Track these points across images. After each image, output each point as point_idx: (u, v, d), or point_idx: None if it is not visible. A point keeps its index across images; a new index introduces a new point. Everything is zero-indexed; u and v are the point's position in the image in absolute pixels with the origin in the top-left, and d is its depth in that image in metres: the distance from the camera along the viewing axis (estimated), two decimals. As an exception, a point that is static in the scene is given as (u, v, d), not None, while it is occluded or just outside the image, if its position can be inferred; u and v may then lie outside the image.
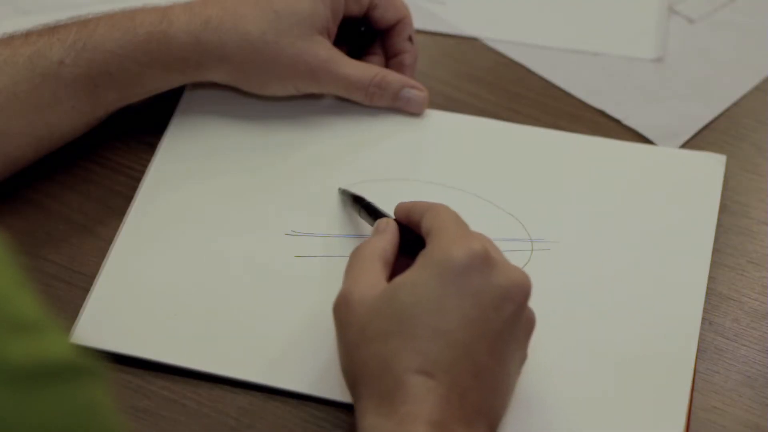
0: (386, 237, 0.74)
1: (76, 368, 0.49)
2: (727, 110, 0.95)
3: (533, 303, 0.70)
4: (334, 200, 0.86)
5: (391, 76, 0.90)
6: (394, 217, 0.77)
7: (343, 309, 0.70)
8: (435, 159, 0.89)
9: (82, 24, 0.84)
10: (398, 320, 0.67)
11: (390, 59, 0.93)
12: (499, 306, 0.67)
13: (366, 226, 0.82)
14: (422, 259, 0.69)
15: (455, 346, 0.66)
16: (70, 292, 0.81)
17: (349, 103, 0.91)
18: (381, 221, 0.76)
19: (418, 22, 0.97)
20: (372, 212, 0.80)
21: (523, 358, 0.71)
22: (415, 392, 0.66)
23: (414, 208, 0.75)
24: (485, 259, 0.68)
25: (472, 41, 1.00)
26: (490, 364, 0.67)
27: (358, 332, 0.69)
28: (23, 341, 0.48)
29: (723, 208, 0.87)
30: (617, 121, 0.93)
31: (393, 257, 0.73)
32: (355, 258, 0.73)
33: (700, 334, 0.79)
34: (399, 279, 0.69)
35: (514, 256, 0.82)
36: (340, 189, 0.85)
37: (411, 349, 0.66)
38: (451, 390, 0.66)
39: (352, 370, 0.69)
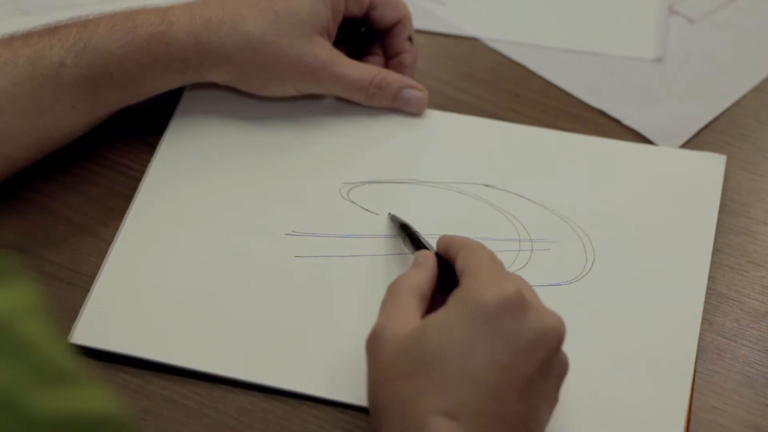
0: (423, 272, 0.73)
1: (108, 422, 0.47)
2: (727, 110, 0.95)
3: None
4: (334, 200, 0.86)
5: (391, 77, 0.90)
6: (435, 249, 0.76)
7: (374, 345, 0.69)
8: (435, 159, 0.89)
9: (83, 25, 0.84)
10: (425, 361, 0.66)
11: (390, 59, 0.93)
12: (530, 350, 0.66)
13: (366, 227, 0.83)
14: (453, 299, 0.68)
15: (482, 390, 0.65)
16: (70, 292, 0.81)
17: (349, 103, 0.91)
18: (419, 254, 0.75)
19: (418, 22, 0.97)
20: (414, 242, 0.78)
21: (553, 402, 0.69)
22: None
23: (452, 243, 0.73)
24: (518, 302, 0.66)
25: (472, 41, 1.00)
26: (518, 409, 0.66)
27: (385, 370, 0.68)
28: (53, 392, 0.47)
29: (723, 208, 0.86)
30: (617, 121, 0.93)
31: (430, 292, 0.72)
32: (391, 293, 0.72)
33: (700, 334, 0.79)
34: (429, 318, 0.68)
35: (515, 256, 0.83)
36: (389, 214, 0.83)
37: (436, 390, 0.65)
38: None
39: (376, 408, 0.68)
